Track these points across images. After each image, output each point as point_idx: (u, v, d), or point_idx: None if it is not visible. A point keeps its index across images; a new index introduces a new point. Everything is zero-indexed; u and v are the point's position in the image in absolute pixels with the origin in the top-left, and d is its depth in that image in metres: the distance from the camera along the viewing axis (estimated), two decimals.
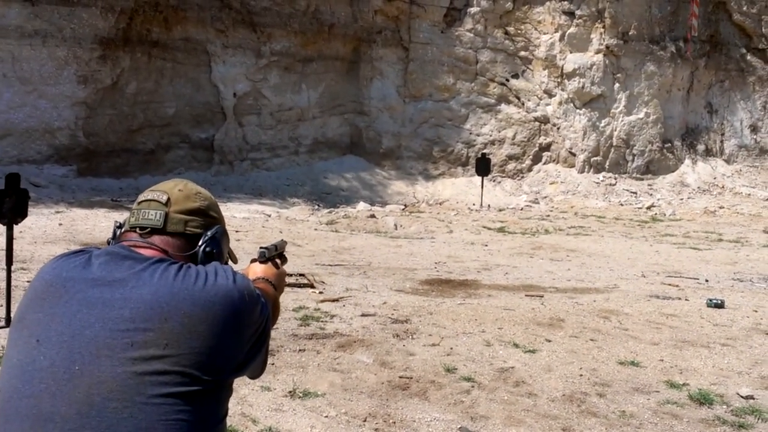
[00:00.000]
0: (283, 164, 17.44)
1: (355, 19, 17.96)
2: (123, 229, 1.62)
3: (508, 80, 19.09)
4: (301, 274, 8.40)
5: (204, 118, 16.69)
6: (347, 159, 18.22)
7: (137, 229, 1.55)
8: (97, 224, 11.35)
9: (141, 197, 1.61)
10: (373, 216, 14.18)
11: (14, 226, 6.33)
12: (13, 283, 6.26)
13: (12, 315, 1.45)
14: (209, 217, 1.62)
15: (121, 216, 10.33)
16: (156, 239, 1.54)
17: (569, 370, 5.18)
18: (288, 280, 8.00)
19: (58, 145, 14.62)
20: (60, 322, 1.40)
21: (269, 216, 13.41)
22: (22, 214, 6.33)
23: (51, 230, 10.72)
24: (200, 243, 1.57)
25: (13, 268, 6.31)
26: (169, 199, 1.57)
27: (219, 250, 1.61)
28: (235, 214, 12.80)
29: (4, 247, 6.39)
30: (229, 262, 1.67)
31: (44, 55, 14.34)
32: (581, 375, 5.09)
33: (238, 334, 1.44)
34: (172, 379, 1.35)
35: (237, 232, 11.34)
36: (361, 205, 15.46)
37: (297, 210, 14.50)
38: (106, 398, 1.33)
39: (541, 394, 4.75)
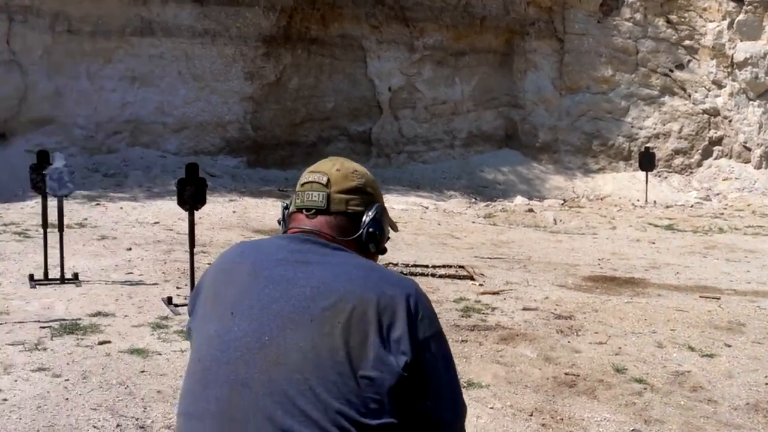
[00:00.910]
0: (438, 157, 17.54)
1: (507, 12, 17.71)
2: (290, 210, 1.71)
3: (671, 71, 18.10)
4: (460, 266, 8.42)
5: (361, 112, 17.09)
6: (503, 152, 18.02)
7: (303, 210, 1.64)
8: (266, 212, 11.97)
9: (303, 179, 1.68)
10: (531, 210, 13.96)
11: (194, 212, 6.80)
12: (195, 264, 6.74)
13: (195, 291, 1.59)
14: (367, 194, 1.67)
15: None
16: (322, 221, 1.61)
17: (753, 378, 4.87)
18: (447, 271, 8.08)
19: (229, 137, 15.51)
20: (250, 296, 1.50)
21: (427, 208, 13.53)
22: (202, 201, 6.78)
23: (226, 217, 11.42)
24: (363, 225, 1.63)
25: (194, 251, 6.78)
26: (329, 180, 1.63)
27: (381, 230, 1.66)
28: (394, 205, 13.03)
29: (187, 231, 6.88)
30: (390, 232, 1.73)
31: (214, 53, 15.23)
32: (767, 384, 4.77)
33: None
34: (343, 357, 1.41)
35: (396, 223, 11.54)
36: (519, 199, 15.26)
37: (454, 203, 14.54)
38: (291, 369, 1.40)
39: (721, 401, 4.50)
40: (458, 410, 1.50)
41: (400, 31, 17.01)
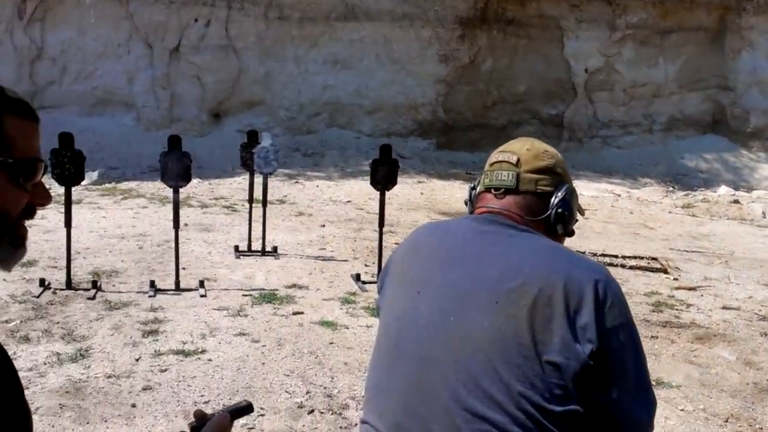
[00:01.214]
0: (635, 142, 16.70)
1: None
2: (477, 190, 1.71)
3: None
4: (653, 258, 8.03)
5: (554, 95, 16.66)
6: (707, 138, 16.78)
7: (492, 190, 1.63)
8: (453, 194, 12.08)
9: (492, 159, 1.68)
10: (736, 201, 12.92)
11: (386, 192, 7.03)
12: (383, 243, 6.98)
13: (384, 270, 1.64)
14: (557, 175, 1.64)
15: None
16: (510, 201, 1.60)
17: None
18: (639, 263, 7.73)
19: (421, 120, 15.79)
20: (437, 276, 1.53)
21: (619, 196, 12.99)
22: (393, 182, 6.99)
23: (414, 198, 11.68)
24: (552, 205, 1.60)
25: (383, 231, 7.02)
26: (519, 159, 1.62)
27: (570, 211, 1.62)
28: (584, 192, 12.62)
29: (377, 211, 7.13)
30: (576, 215, 1.68)
31: (411, 37, 15.50)
32: None
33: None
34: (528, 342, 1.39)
35: (585, 210, 11.19)
36: (723, 189, 14.16)
37: (649, 191, 13.81)
38: (475, 349, 1.40)
39: None
40: (646, 405, 1.43)
41: (602, 9, 16.31)
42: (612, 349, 1.38)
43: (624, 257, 7.92)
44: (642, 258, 8.02)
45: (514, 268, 1.45)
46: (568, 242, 1.72)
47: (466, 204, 1.80)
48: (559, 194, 1.61)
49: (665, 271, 7.51)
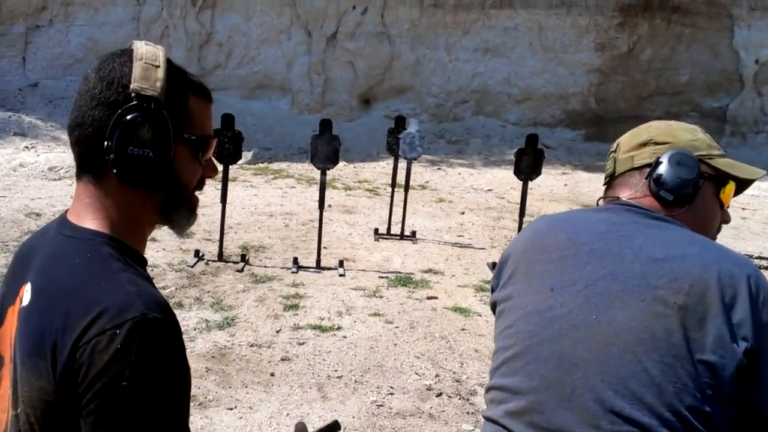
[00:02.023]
0: None
1: None
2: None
3: None
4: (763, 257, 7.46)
5: (719, 87, 15.65)
6: None
7: (606, 179, 1.64)
8: (598, 187, 11.68)
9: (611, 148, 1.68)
10: None
11: (528, 182, 6.95)
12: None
13: (499, 266, 1.58)
14: (657, 144, 1.54)
15: None
16: (615, 183, 1.59)
17: None
18: None
19: (570, 110, 15.38)
20: (572, 272, 1.45)
21: None
22: (537, 172, 6.90)
23: (557, 189, 11.44)
24: (651, 174, 1.51)
25: (523, 220, 6.95)
26: (618, 145, 1.61)
27: (672, 174, 1.49)
28: (746, 191, 11.82)
29: (518, 201, 7.07)
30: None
31: (567, 24, 15.09)
32: None
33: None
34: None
35: (743, 209, 10.50)
36: None
37: None
38: (622, 349, 1.33)
39: None
40: None
41: None
42: (765, 346, 1.31)
43: None
44: (752, 257, 7.45)
45: (660, 264, 1.37)
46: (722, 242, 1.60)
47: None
48: (660, 160, 1.51)
49: None
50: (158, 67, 1.13)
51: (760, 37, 15.22)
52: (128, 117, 1.09)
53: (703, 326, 1.30)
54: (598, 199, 1.70)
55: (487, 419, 1.52)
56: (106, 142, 1.10)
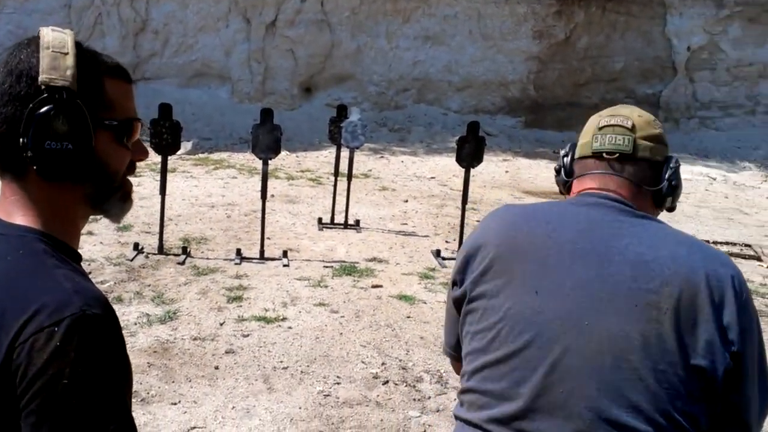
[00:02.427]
0: (735, 125, 15.95)
1: None
2: (578, 155, 1.58)
3: None
4: (746, 245, 7.72)
5: (652, 73, 16.07)
6: None
7: (604, 155, 1.51)
8: (539, 174, 11.91)
9: (601, 122, 1.54)
10: None
11: (471, 170, 7.01)
12: (465, 221, 6.98)
13: (465, 258, 1.54)
14: (665, 145, 1.55)
15: None
16: (628, 170, 1.49)
17: None
18: (731, 249, 7.44)
19: (510, 97, 15.57)
20: (556, 273, 1.38)
21: (714, 179, 12.49)
22: (479, 159, 6.96)
23: (498, 176, 11.58)
24: (666, 177, 1.50)
25: (466, 207, 7.01)
26: (633, 125, 1.51)
27: (680, 185, 1.53)
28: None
29: (461, 188, 7.13)
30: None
31: (506, 12, 15.24)
32: None
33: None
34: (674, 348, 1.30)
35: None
36: None
37: (747, 175, 13.21)
38: (617, 357, 1.30)
39: None
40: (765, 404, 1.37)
41: None
42: (750, 347, 1.32)
43: (715, 243, 7.65)
44: (735, 244, 7.73)
45: (649, 267, 1.34)
46: None
47: (558, 172, 1.66)
48: (672, 165, 1.52)
49: (759, 259, 7.22)
50: (67, 54, 1.08)
51: (692, 24, 15.68)
52: (41, 110, 1.05)
53: (694, 331, 1.30)
54: (562, 171, 1.62)
55: (466, 422, 1.46)
56: (21, 139, 1.05)
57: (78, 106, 1.07)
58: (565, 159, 1.63)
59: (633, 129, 1.51)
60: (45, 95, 1.05)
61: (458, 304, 1.54)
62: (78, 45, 1.11)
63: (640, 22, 15.82)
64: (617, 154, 1.50)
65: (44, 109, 1.05)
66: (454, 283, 1.57)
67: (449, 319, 1.65)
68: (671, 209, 1.58)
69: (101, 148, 1.12)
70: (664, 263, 1.34)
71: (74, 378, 0.96)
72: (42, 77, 1.06)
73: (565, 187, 1.64)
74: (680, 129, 15.82)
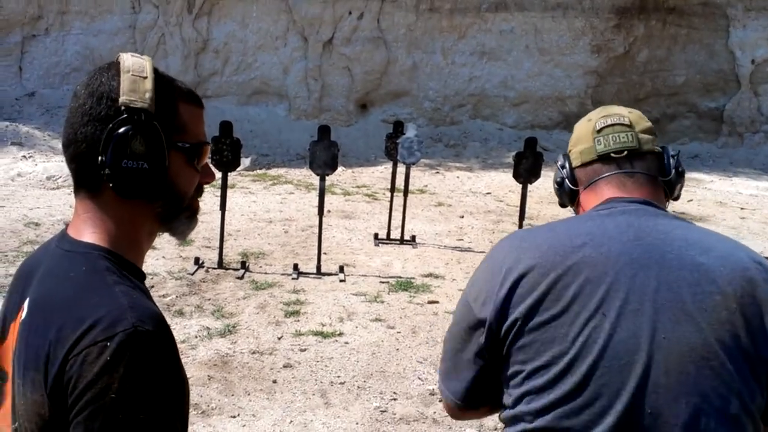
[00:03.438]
0: None
1: None
2: (582, 161, 1.53)
3: None
4: None
5: (715, 87, 15.69)
6: None
7: (612, 154, 1.48)
8: None
9: (597, 125, 1.52)
10: None
11: (528, 185, 6.96)
12: None
13: (497, 283, 1.37)
14: (656, 136, 1.55)
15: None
16: (638, 165, 1.48)
17: None
18: None
19: (567, 112, 15.39)
20: (618, 290, 1.31)
21: None
22: (536, 175, 6.91)
23: None
24: (671, 164, 1.51)
25: (523, 223, 6.95)
26: (630, 121, 1.51)
27: (684, 169, 1.54)
28: (741, 190, 11.85)
29: (518, 204, 7.07)
30: None
31: (563, 27, 15.10)
32: None
33: None
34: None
35: (742, 209, 10.51)
36: None
37: None
38: (699, 366, 1.26)
39: None
40: None
41: None
42: None
43: None
44: None
45: (706, 268, 1.31)
46: None
47: (560, 184, 1.60)
48: (671, 153, 1.53)
49: None
50: (146, 78, 1.13)
51: (756, 36, 15.26)
52: (120, 130, 1.10)
53: (762, 324, 1.28)
54: (565, 182, 1.58)
55: None
56: (100, 157, 1.10)
57: (155, 127, 1.12)
58: (564, 170, 1.59)
59: (631, 125, 1.51)
60: (125, 116, 1.10)
61: (493, 347, 1.39)
62: (156, 70, 1.16)
63: (702, 35, 15.49)
64: (625, 152, 1.48)
65: (123, 129, 1.10)
66: (480, 325, 1.40)
67: (460, 363, 1.46)
68: (677, 198, 1.57)
69: (173, 169, 1.16)
70: (717, 263, 1.32)
71: (122, 392, 0.98)
72: (122, 99, 1.11)
73: (571, 197, 1.59)
74: (744, 143, 15.38)
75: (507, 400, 1.39)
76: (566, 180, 1.57)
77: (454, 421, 3.97)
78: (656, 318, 1.29)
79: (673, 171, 1.51)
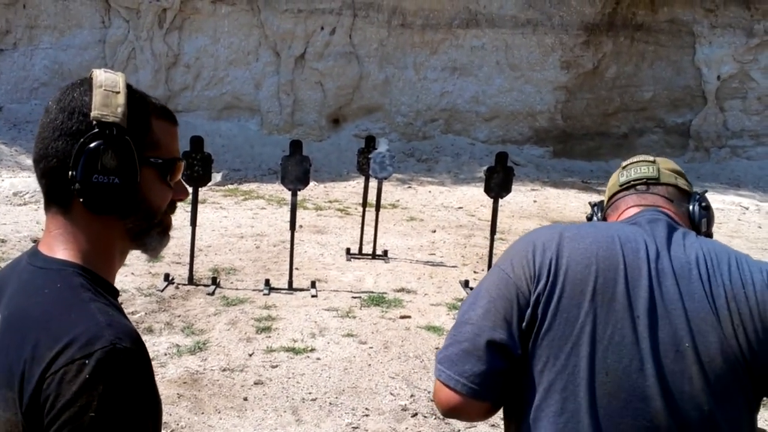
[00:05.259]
0: (767, 153, 15.76)
1: None
2: (608, 196, 1.65)
3: None
4: None
5: (682, 103, 15.99)
6: None
7: (633, 183, 1.59)
8: (567, 204, 11.83)
9: (625, 163, 1.66)
10: None
11: (499, 200, 7.00)
12: (493, 251, 6.95)
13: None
14: (688, 182, 1.63)
15: (590, 197, 10.57)
16: (659, 190, 1.56)
17: None
18: None
19: (537, 127, 15.56)
20: (646, 292, 1.34)
21: (746, 209, 12.30)
22: (507, 190, 6.94)
23: (526, 206, 11.52)
24: (694, 197, 1.58)
25: (494, 237, 6.98)
26: (655, 159, 1.62)
27: (711, 211, 1.59)
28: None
29: (490, 219, 7.11)
30: None
31: (533, 43, 15.30)
32: None
33: None
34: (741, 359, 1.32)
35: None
36: None
37: None
38: (719, 375, 1.30)
39: None
40: None
41: (739, 14, 15.53)
42: None
43: None
44: None
45: (717, 281, 1.35)
46: None
47: (590, 219, 1.75)
48: (698, 191, 1.61)
49: None
50: (118, 93, 1.12)
51: (722, 53, 15.60)
52: (91, 145, 1.09)
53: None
54: (596, 217, 1.73)
55: None
56: (70, 172, 1.09)
57: (126, 142, 1.11)
58: (595, 209, 1.76)
59: (655, 162, 1.62)
60: (96, 130, 1.09)
61: (521, 317, 1.38)
62: (129, 86, 1.16)
63: (669, 52, 15.78)
64: (645, 180, 1.59)
65: (94, 144, 1.09)
66: (519, 292, 1.39)
67: (478, 340, 1.39)
68: (708, 235, 1.57)
69: (146, 185, 1.15)
70: (725, 271, 1.36)
71: (101, 411, 0.97)
72: (94, 113, 1.10)
73: None
74: (711, 158, 15.66)
75: None
76: (595, 217, 1.75)
77: None
78: (679, 326, 1.32)
79: (696, 203, 1.58)
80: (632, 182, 1.59)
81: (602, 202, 1.73)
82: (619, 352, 1.31)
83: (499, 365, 1.36)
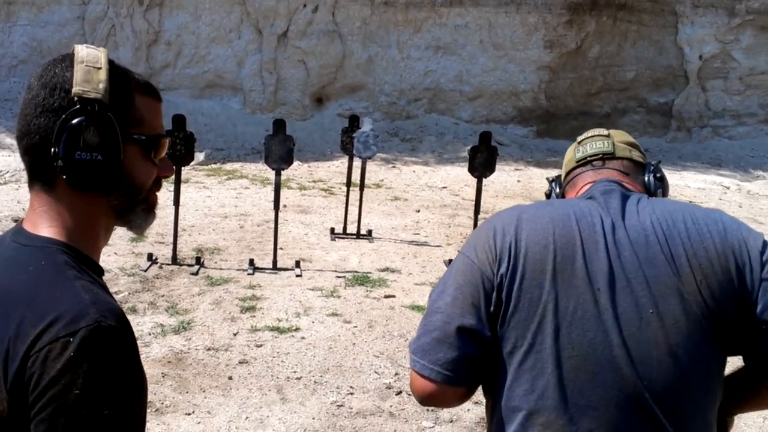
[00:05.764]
0: (748, 133, 15.87)
1: None
2: (566, 172, 1.67)
3: None
4: None
5: (664, 82, 16.04)
6: None
7: (590, 163, 1.60)
8: None
9: (580, 138, 1.68)
10: None
11: (483, 179, 7.01)
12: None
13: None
14: (643, 154, 1.65)
15: None
16: (611, 166, 1.58)
17: None
18: None
19: (521, 106, 15.56)
20: (605, 265, 1.35)
21: (727, 188, 12.42)
22: (491, 169, 6.96)
23: (510, 185, 11.56)
24: (649, 169, 1.60)
25: (478, 217, 7.01)
26: (609, 133, 1.64)
27: (666, 181, 1.63)
28: (690, 183, 12.15)
29: (474, 198, 7.13)
30: None
31: (516, 22, 15.25)
32: None
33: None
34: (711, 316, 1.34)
35: (691, 203, 10.77)
36: None
37: (761, 184, 13.13)
38: (686, 336, 1.32)
39: None
40: None
41: None
42: None
43: None
44: None
45: (676, 241, 1.36)
46: None
47: (548, 196, 1.75)
48: (653, 162, 1.64)
49: None
50: (100, 68, 1.12)
51: (704, 33, 15.63)
52: (73, 121, 1.08)
53: (754, 287, 1.34)
54: (554, 194, 1.73)
55: None
56: (53, 149, 1.08)
57: (109, 118, 1.10)
58: (554, 184, 1.76)
59: (609, 135, 1.64)
60: (78, 107, 1.09)
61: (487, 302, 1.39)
62: (111, 62, 1.15)
63: (651, 31, 15.80)
64: (599, 155, 1.61)
65: (76, 120, 1.08)
66: (483, 276, 1.40)
67: (449, 327, 1.40)
68: None
69: (129, 162, 1.14)
70: (683, 233, 1.37)
71: (86, 388, 0.97)
72: (75, 89, 1.09)
73: None
74: (693, 138, 15.76)
75: None
76: (553, 192, 1.75)
77: (410, 414, 4.00)
78: (643, 293, 1.34)
79: (650, 175, 1.61)
80: (588, 158, 1.62)
81: (560, 176, 1.74)
82: (583, 326, 1.33)
83: (470, 350, 1.39)
